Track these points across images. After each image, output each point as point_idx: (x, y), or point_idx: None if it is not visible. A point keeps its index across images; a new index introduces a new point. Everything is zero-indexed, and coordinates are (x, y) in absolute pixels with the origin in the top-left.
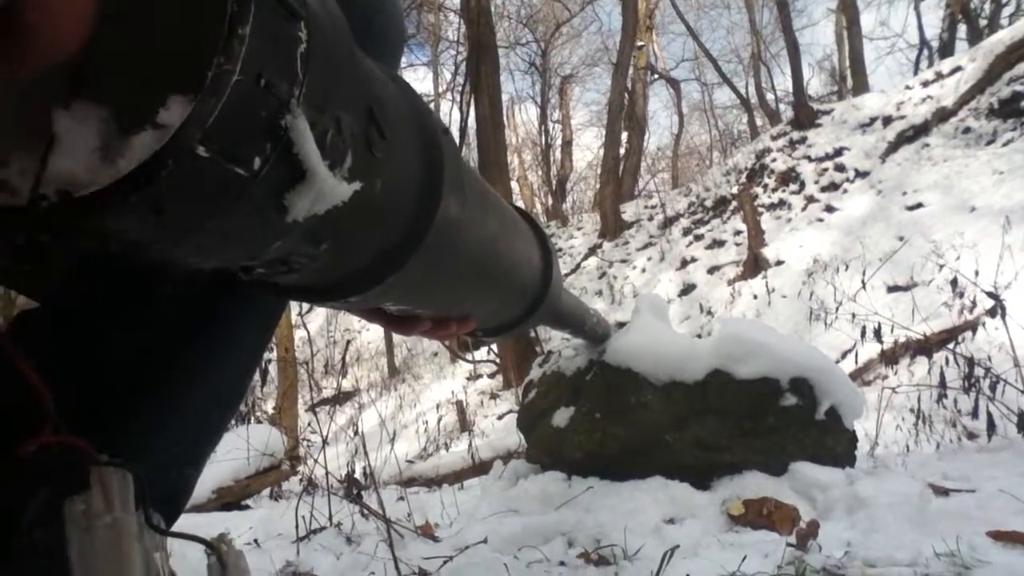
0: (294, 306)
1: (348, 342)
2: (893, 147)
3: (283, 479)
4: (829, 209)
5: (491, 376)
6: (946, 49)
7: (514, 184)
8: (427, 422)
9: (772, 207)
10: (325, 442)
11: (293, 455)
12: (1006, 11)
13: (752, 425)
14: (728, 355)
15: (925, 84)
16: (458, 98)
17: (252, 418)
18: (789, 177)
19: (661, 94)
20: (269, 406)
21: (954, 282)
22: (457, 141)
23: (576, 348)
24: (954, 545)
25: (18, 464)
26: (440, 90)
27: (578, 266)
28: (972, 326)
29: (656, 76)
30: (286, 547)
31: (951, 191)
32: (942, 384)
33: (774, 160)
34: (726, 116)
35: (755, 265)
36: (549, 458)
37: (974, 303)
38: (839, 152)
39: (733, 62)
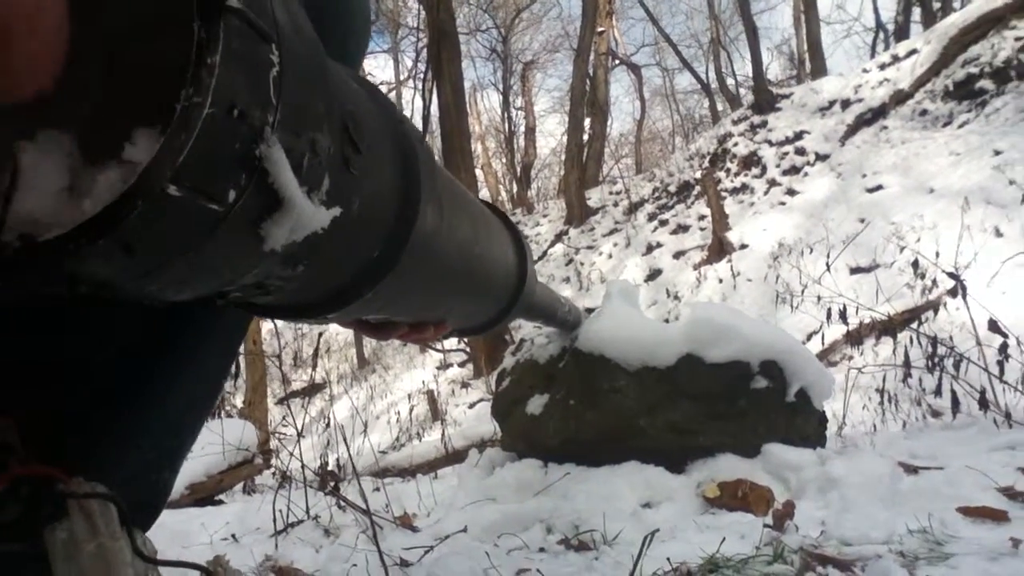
0: None
1: (320, 334)
2: (852, 130)
3: (256, 473)
4: (791, 192)
5: (461, 365)
6: (901, 32)
7: (478, 172)
8: (399, 412)
9: (735, 191)
10: (300, 435)
11: (265, 449)
12: None
13: (724, 408)
14: (699, 339)
15: (882, 67)
16: (420, 85)
17: (223, 412)
18: (751, 161)
19: (623, 80)
20: (239, 400)
21: (915, 264)
22: (420, 129)
23: (548, 336)
24: (926, 522)
25: None
26: (401, 77)
27: (545, 253)
28: (934, 306)
29: (617, 62)
30: (264, 541)
31: (909, 173)
32: (906, 364)
33: (736, 144)
34: (687, 101)
35: (720, 249)
36: (525, 445)
37: (935, 283)
38: (799, 136)
39: (693, 47)
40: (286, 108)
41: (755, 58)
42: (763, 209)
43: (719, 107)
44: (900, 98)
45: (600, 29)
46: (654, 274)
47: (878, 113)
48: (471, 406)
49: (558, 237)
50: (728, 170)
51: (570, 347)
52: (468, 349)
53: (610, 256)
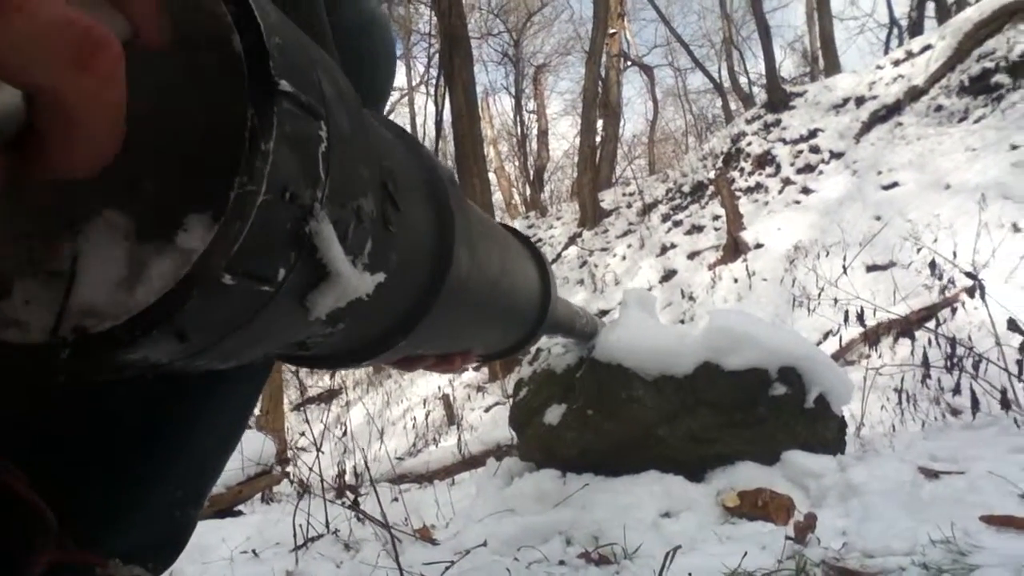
0: None
1: None
2: (867, 127)
3: (274, 484)
4: (805, 191)
5: (476, 369)
6: (915, 28)
7: (491, 176)
8: (415, 418)
9: (749, 191)
10: (319, 449)
11: (283, 458)
12: None
13: (743, 416)
14: (717, 347)
15: (896, 63)
16: (432, 91)
17: None
18: (765, 160)
19: (635, 81)
20: (256, 408)
21: (932, 264)
22: (433, 134)
23: (565, 345)
24: (949, 531)
25: None
26: (414, 83)
27: (559, 256)
28: (951, 303)
29: (629, 63)
30: (284, 556)
31: (925, 169)
32: (925, 364)
33: (749, 144)
34: (700, 101)
35: (735, 249)
36: (543, 456)
37: (952, 283)
38: (813, 134)
39: (705, 46)
40: (334, 181)
41: (768, 56)
42: (778, 208)
43: (732, 106)
44: (915, 94)
45: (612, 31)
46: (668, 275)
47: (893, 110)
48: (487, 410)
49: (572, 239)
50: (742, 169)
51: (587, 357)
52: None
53: (624, 258)
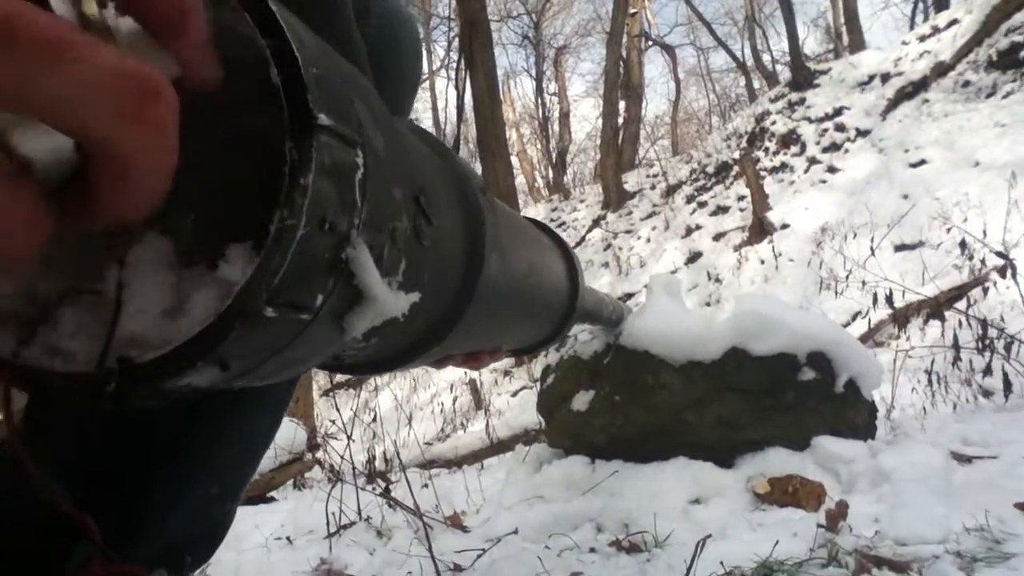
0: None
1: None
2: (893, 104)
3: (306, 470)
4: (831, 170)
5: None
6: (941, 2)
7: (514, 159)
8: (442, 403)
9: (774, 170)
10: (350, 438)
11: (313, 443)
12: None
13: (772, 401)
14: (744, 332)
15: (922, 39)
16: (453, 75)
17: None
18: (790, 139)
19: (656, 61)
20: None
21: (962, 243)
22: (454, 119)
23: (592, 332)
24: (982, 519)
25: None
26: (434, 68)
27: (583, 239)
28: (981, 283)
29: (651, 43)
30: (318, 543)
31: (953, 146)
32: (955, 345)
33: (774, 123)
34: (723, 80)
35: (760, 230)
36: (571, 442)
37: (983, 263)
38: (839, 112)
39: (727, 24)
40: (370, 205)
41: (791, 33)
42: (803, 188)
43: (756, 85)
44: (942, 70)
45: (632, 11)
46: (694, 257)
47: (919, 86)
48: (514, 395)
49: (595, 222)
50: (767, 149)
51: (614, 343)
52: None
53: (648, 240)
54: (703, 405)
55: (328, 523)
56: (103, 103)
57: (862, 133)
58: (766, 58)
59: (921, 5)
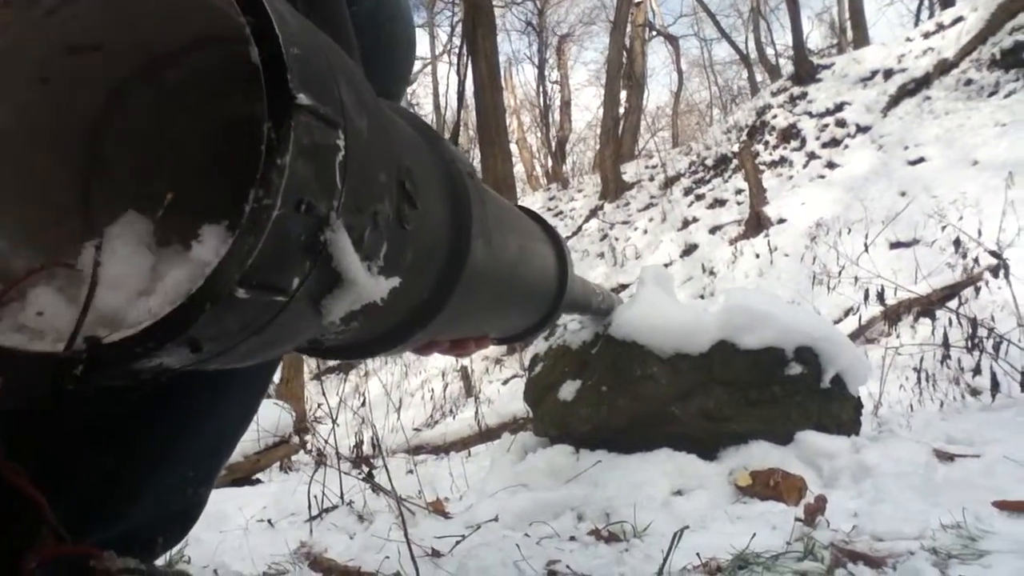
0: None
1: None
2: (894, 101)
3: (292, 453)
4: (831, 165)
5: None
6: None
7: (513, 147)
8: (432, 389)
9: (773, 165)
10: (335, 422)
11: (301, 427)
12: None
13: (758, 395)
14: (733, 326)
15: (926, 36)
16: (455, 60)
17: None
18: (790, 134)
19: (659, 51)
20: (276, 376)
21: (957, 242)
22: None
23: (581, 321)
24: (960, 516)
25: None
26: (436, 52)
27: (579, 228)
28: (974, 282)
29: (654, 33)
30: (299, 526)
31: (953, 144)
32: (945, 344)
33: (775, 117)
34: (726, 72)
35: (757, 224)
36: (556, 431)
37: (976, 262)
38: (840, 107)
39: (732, 16)
40: (350, 188)
41: (795, 27)
42: (802, 183)
43: (758, 78)
44: (944, 67)
45: (637, 0)
46: (690, 249)
47: (921, 83)
48: (504, 383)
49: (593, 212)
50: (767, 143)
51: (603, 333)
52: None
53: (645, 231)
54: (689, 397)
55: (310, 506)
56: None
57: (862, 129)
58: (769, 51)
59: (927, 2)
